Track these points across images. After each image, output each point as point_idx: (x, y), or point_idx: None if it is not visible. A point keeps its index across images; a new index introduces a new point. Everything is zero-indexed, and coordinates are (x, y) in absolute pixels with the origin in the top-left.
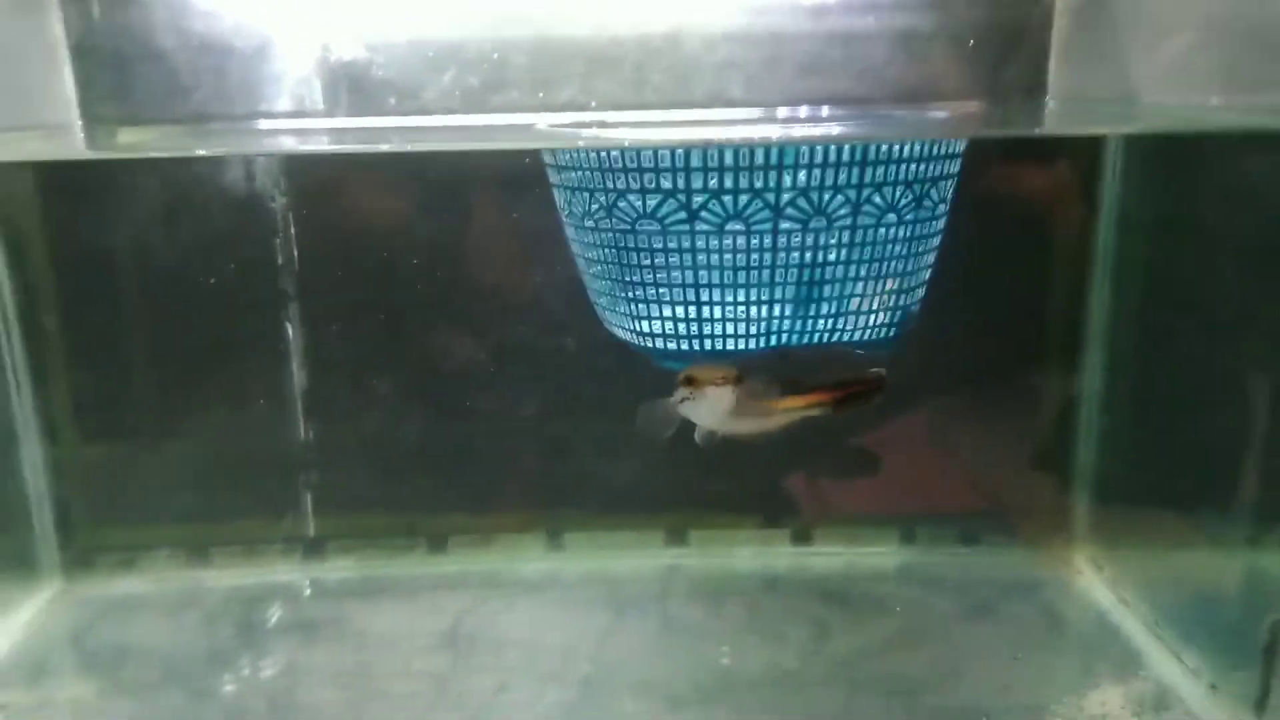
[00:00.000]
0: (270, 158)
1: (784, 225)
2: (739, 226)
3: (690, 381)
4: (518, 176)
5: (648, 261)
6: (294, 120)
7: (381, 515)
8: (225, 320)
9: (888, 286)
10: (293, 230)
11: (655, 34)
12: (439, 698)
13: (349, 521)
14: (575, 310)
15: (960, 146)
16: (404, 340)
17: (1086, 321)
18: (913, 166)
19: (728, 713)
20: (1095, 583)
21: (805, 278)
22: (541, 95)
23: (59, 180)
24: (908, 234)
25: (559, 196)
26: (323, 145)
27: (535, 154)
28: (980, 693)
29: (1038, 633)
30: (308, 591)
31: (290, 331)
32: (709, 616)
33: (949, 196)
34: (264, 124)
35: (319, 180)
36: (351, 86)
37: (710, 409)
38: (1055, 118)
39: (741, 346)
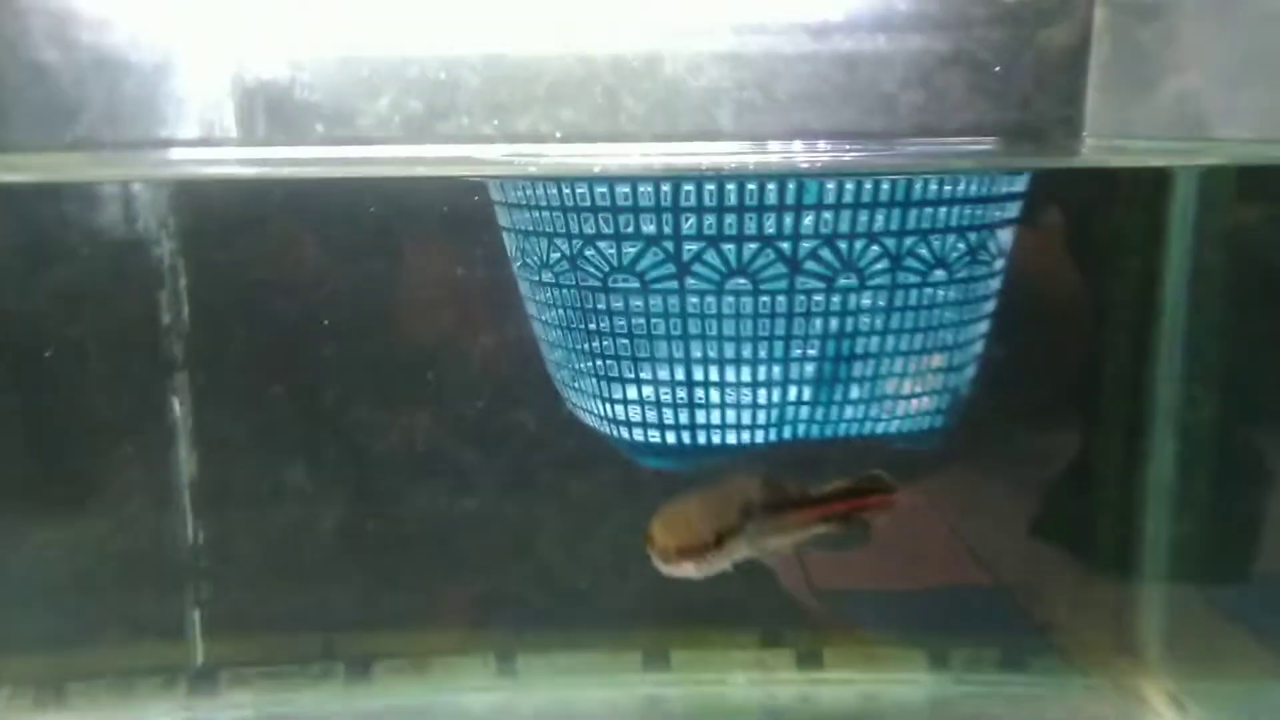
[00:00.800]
0: (158, 194)
1: (803, 283)
2: (743, 284)
3: (661, 551)
4: (463, 219)
5: (623, 328)
6: (201, 149)
7: (289, 635)
8: (96, 392)
9: (934, 363)
10: (182, 282)
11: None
12: None
13: (248, 644)
14: (531, 381)
15: (1023, 184)
16: (319, 417)
17: (1152, 393)
18: (968, 210)
19: None
20: None
21: (830, 351)
22: (496, 123)
23: None
24: (960, 296)
25: (510, 243)
26: (233, 170)
27: (484, 191)
28: None
29: None
30: None
31: (177, 406)
32: None
33: (1008, 248)
34: (164, 153)
35: (217, 222)
36: (270, 110)
37: (693, 571)
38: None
39: (746, 440)
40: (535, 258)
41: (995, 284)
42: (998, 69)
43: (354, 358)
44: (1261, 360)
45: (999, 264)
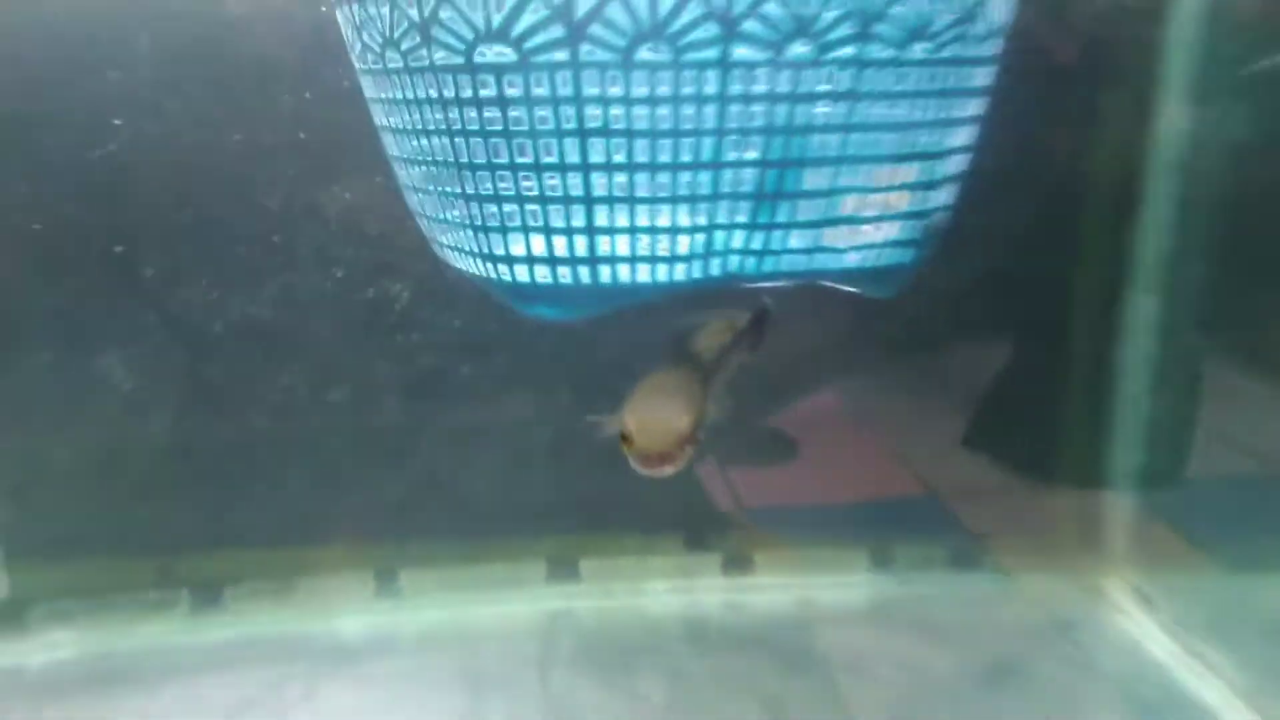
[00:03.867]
0: None
1: (740, 53)
2: (661, 55)
3: (643, 457)
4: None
5: (496, 124)
6: None
7: (117, 560)
8: None
9: (907, 176)
10: None
11: None
12: None
13: (64, 573)
14: (399, 237)
15: None
16: (139, 297)
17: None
18: None
19: None
20: (1142, 620)
21: (773, 153)
22: None
23: None
24: (942, 84)
25: (346, 25)
26: None
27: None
28: None
29: (1071, 695)
30: None
31: None
32: (608, 695)
33: (1002, 30)
34: None
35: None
36: None
37: (672, 470)
38: None
39: (662, 278)
40: (375, 35)
41: (988, 76)
42: None
43: (177, 219)
44: (1237, 281)
45: (991, 46)
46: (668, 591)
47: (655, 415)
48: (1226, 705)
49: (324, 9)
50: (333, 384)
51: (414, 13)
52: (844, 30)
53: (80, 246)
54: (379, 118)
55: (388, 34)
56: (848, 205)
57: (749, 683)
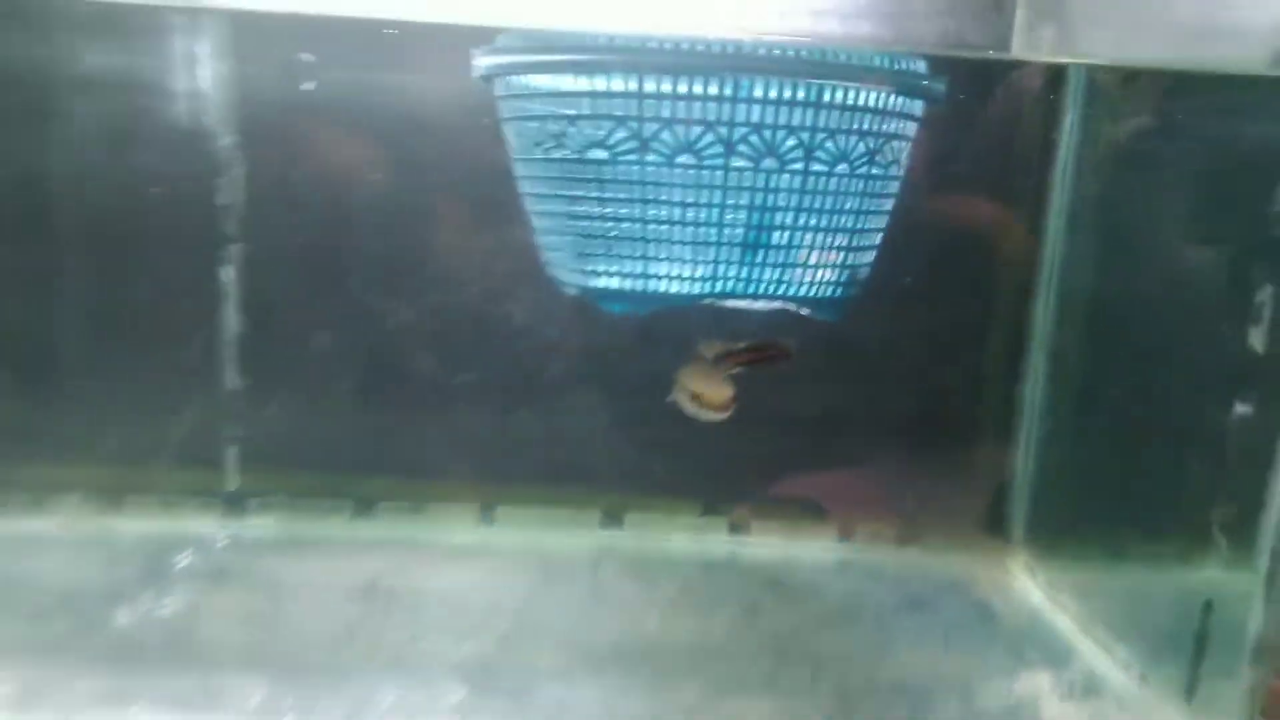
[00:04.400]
0: (222, 96)
1: (735, 162)
2: (689, 159)
3: (718, 405)
4: (473, 131)
5: (596, 193)
6: None
7: (309, 474)
8: (161, 258)
9: (837, 242)
10: (238, 171)
11: None
12: (349, 642)
13: (273, 478)
14: (525, 275)
15: (918, 109)
16: (345, 294)
17: (1031, 325)
18: (868, 117)
19: (647, 673)
20: (1029, 585)
21: (754, 221)
22: None
23: None
24: (860, 189)
25: (509, 130)
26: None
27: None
28: (908, 671)
29: (971, 625)
30: (222, 543)
31: (228, 274)
32: (639, 591)
33: (902, 159)
34: None
35: (272, 124)
36: None
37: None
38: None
39: (687, 290)
40: (528, 139)
41: (892, 187)
42: None
43: (378, 245)
44: (1122, 301)
45: (894, 170)
46: (687, 542)
47: (715, 383)
48: (1070, 630)
49: (486, 120)
50: (464, 370)
51: (553, 128)
52: (796, 154)
53: (317, 258)
54: (523, 184)
55: (535, 139)
56: (800, 256)
57: (737, 594)
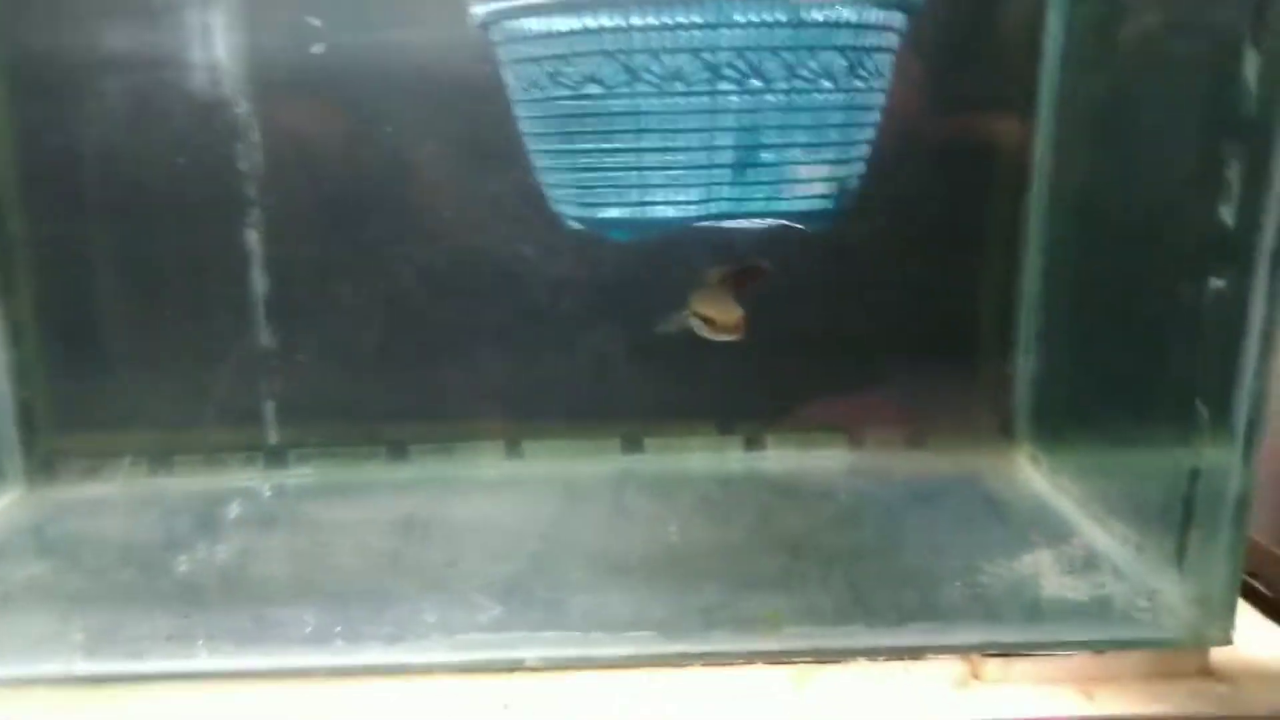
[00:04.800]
0: (237, 65)
1: (721, 86)
2: (678, 88)
3: (731, 326)
4: (475, 80)
5: (592, 127)
6: None
7: (343, 423)
8: (188, 226)
9: (824, 157)
10: (256, 136)
11: None
12: (390, 570)
13: (310, 429)
14: (531, 216)
15: (898, 20)
16: (364, 249)
17: (1025, 221)
18: (846, 33)
19: (670, 579)
20: (1033, 475)
21: (744, 142)
22: None
23: (23, 83)
24: (844, 103)
25: (506, 74)
26: None
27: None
28: (917, 560)
29: (976, 514)
30: (268, 493)
31: (253, 237)
32: (660, 506)
33: (885, 71)
34: None
35: (286, 88)
36: None
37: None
38: None
39: (683, 214)
40: (524, 80)
41: (876, 99)
42: None
43: (393, 199)
44: (1108, 190)
45: (878, 83)
46: (705, 459)
47: (724, 305)
48: (1071, 512)
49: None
50: (486, 312)
51: (548, 69)
52: (779, 75)
53: (334, 217)
54: (523, 125)
55: (532, 80)
56: (790, 173)
57: (753, 503)
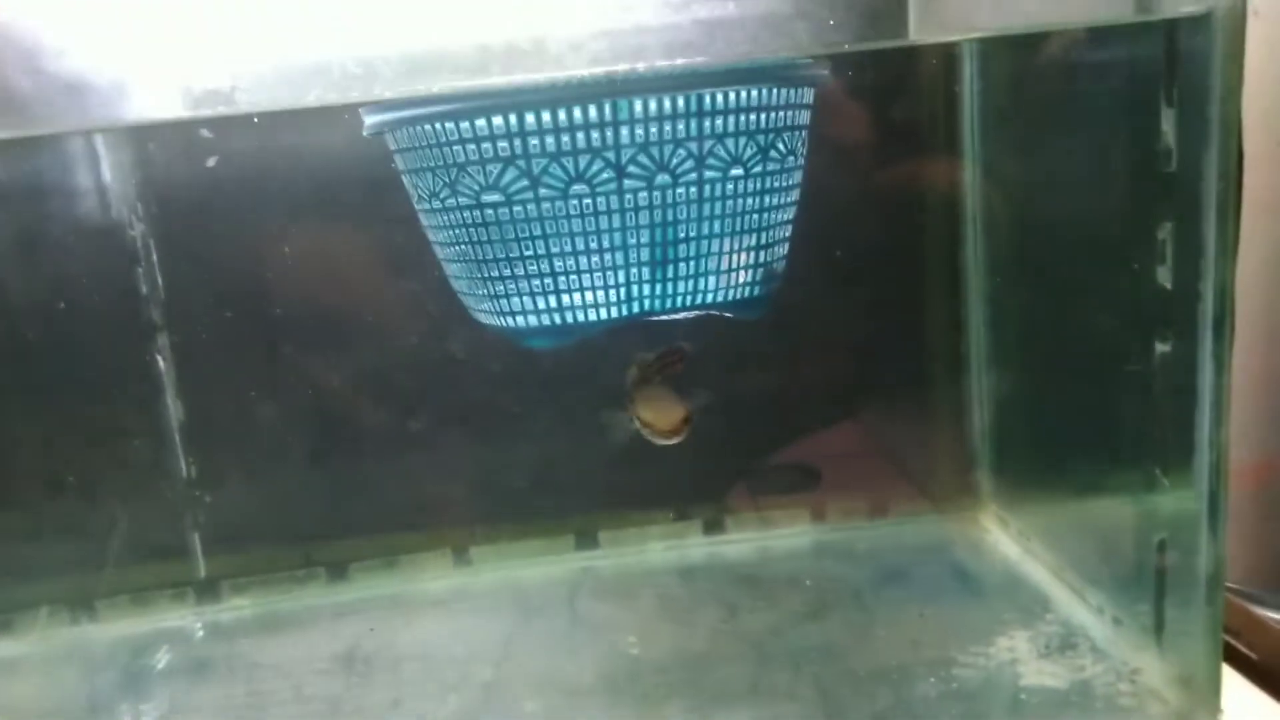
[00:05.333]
0: (127, 185)
1: (628, 184)
2: (583, 189)
3: (668, 431)
4: (380, 181)
5: (496, 235)
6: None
7: (277, 548)
8: (93, 357)
9: (746, 243)
10: (155, 257)
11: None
12: (332, 718)
13: (242, 558)
14: (457, 315)
15: (807, 97)
16: (283, 362)
17: (965, 276)
18: (754, 116)
19: (631, 700)
20: (1002, 538)
21: (658, 238)
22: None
23: None
24: (760, 187)
25: (407, 182)
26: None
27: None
28: (888, 653)
29: (947, 589)
30: (200, 633)
31: (161, 362)
32: (619, 610)
33: (799, 148)
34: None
35: (181, 204)
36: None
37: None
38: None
39: (602, 316)
40: (425, 190)
41: (794, 177)
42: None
43: (306, 308)
44: (1043, 243)
45: (793, 161)
46: (664, 549)
47: (664, 407)
48: (1044, 580)
49: (392, 167)
50: (420, 416)
51: (445, 177)
52: (687, 165)
53: (248, 332)
54: (430, 234)
55: (431, 189)
56: (711, 265)
57: (715, 595)
